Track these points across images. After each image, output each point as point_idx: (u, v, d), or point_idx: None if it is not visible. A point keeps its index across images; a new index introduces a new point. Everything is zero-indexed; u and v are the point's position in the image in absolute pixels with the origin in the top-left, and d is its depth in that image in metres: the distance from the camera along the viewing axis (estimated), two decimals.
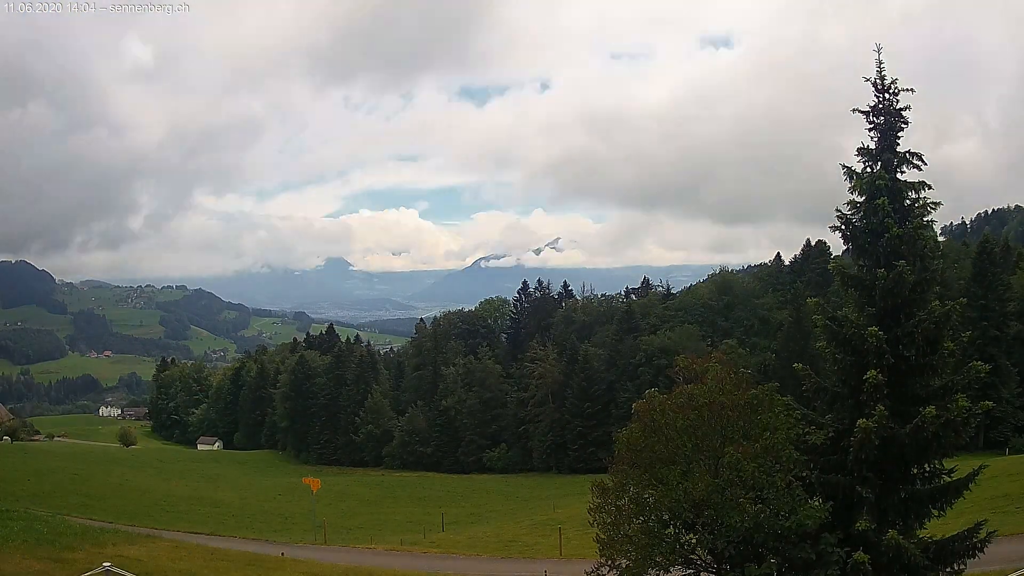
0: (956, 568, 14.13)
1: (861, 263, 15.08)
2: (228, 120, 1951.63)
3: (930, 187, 14.70)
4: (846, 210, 14.99)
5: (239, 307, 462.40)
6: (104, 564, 16.09)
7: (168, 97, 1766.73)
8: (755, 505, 14.48)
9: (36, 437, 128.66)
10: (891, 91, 14.75)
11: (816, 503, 14.56)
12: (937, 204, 14.74)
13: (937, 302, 14.26)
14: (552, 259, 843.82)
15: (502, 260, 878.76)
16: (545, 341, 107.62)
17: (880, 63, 14.71)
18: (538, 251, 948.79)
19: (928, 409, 13.29)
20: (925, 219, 14.69)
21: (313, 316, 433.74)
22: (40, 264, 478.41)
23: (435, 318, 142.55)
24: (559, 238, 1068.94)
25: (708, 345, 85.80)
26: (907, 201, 14.72)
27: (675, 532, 15.28)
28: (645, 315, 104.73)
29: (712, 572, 15.38)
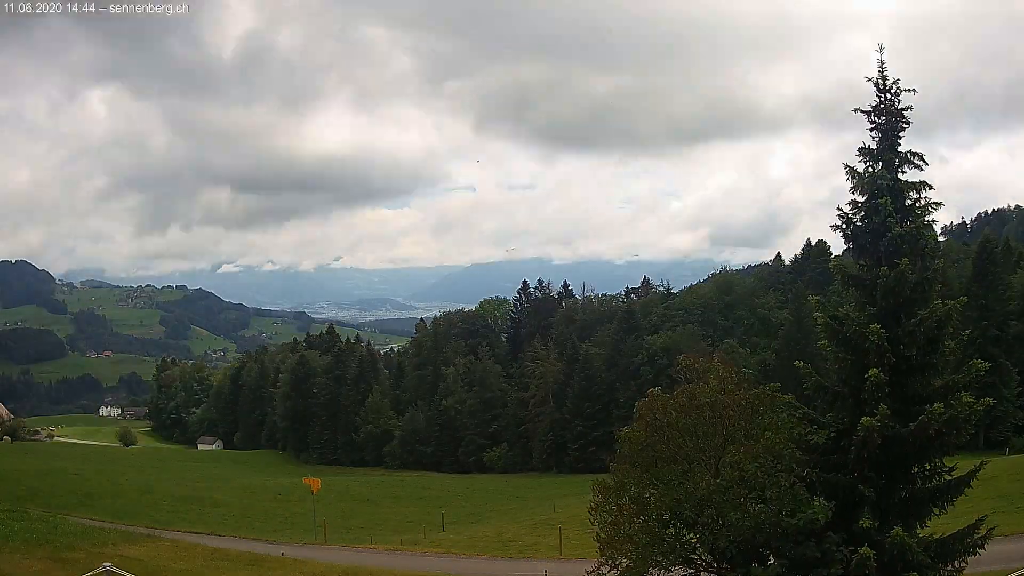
0: (957, 565, 14.15)
1: (862, 262, 15.09)
2: None
3: (931, 187, 14.72)
4: (847, 209, 15.00)
5: (239, 307, 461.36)
6: (104, 564, 16.12)
7: None
8: (757, 505, 14.49)
9: (36, 437, 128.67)
10: (893, 91, 14.74)
11: (818, 502, 14.56)
12: (938, 204, 14.76)
13: (938, 301, 14.25)
14: None
15: None
16: (545, 341, 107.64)
17: (882, 63, 14.71)
18: None
19: (936, 406, 13.29)
20: (926, 219, 14.70)
21: (313, 316, 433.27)
22: None
23: (435, 318, 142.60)
24: None
25: (708, 345, 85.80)
26: (908, 201, 14.72)
27: (676, 532, 15.29)
28: (645, 315, 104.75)
29: (713, 572, 15.38)
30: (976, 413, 13.70)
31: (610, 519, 15.71)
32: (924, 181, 14.69)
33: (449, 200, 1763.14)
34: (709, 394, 15.56)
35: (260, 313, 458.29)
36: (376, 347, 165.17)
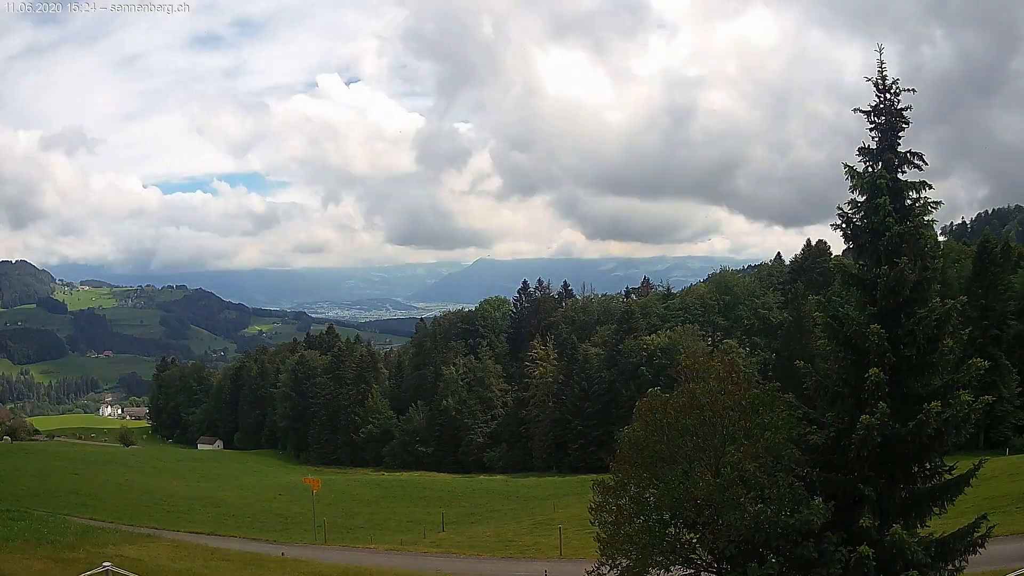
0: (957, 565, 14.16)
1: (862, 262, 15.09)
2: None
3: (931, 187, 14.71)
4: (847, 209, 15.01)
5: (239, 307, 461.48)
6: (104, 564, 16.14)
7: None
8: (756, 504, 14.48)
9: (36, 437, 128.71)
10: (892, 91, 14.74)
11: (818, 502, 14.56)
12: (938, 203, 14.75)
13: (937, 300, 14.26)
14: None
15: None
16: (545, 341, 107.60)
17: (881, 63, 14.71)
18: None
19: (933, 404, 13.29)
20: (925, 218, 14.70)
21: (313, 316, 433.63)
22: None
23: (435, 318, 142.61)
24: None
25: (708, 345, 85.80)
26: (908, 200, 14.72)
27: (676, 532, 15.29)
28: (645, 314, 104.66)
29: (712, 572, 15.38)
30: (975, 412, 13.71)
31: (610, 519, 15.72)
32: (923, 181, 14.69)
33: None
34: (709, 394, 15.56)
35: (260, 313, 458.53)
36: (376, 347, 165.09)
